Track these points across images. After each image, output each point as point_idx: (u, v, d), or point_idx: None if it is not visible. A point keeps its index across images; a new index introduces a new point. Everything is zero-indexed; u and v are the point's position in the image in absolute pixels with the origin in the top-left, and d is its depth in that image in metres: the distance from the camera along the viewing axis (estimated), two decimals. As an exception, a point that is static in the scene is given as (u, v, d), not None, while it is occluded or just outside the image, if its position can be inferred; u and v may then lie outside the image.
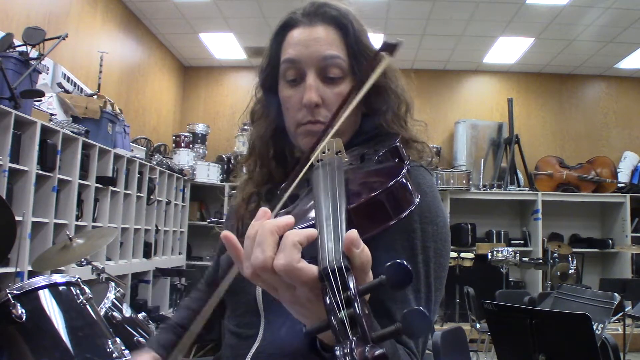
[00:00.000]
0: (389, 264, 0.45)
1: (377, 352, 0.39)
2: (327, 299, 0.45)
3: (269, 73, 0.95)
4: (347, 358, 0.39)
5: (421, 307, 0.42)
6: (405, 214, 0.61)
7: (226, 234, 0.55)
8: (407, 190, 0.63)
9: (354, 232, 0.49)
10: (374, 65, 0.79)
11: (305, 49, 0.88)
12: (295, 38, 0.90)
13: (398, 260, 0.44)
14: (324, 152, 0.79)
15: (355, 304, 0.43)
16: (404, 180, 0.63)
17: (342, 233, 0.51)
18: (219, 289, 0.67)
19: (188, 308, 1.12)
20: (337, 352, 0.40)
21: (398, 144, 0.82)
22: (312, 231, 0.51)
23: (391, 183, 0.60)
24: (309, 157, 0.75)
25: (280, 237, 0.51)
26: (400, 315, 0.42)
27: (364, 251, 0.50)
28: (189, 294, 1.17)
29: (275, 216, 0.61)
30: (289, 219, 0.54)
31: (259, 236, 0.52)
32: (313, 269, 0.48)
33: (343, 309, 0.43)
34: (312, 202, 0.62)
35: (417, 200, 0.63)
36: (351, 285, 0.45)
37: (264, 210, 0.57)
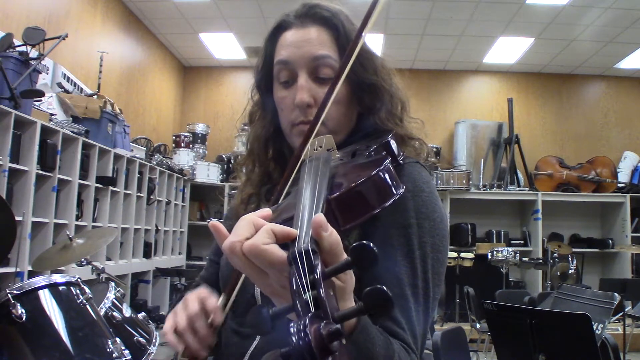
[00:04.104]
0: (354, 244, 0.45)
1: (332, 328, 0.39)
2: (294, 281, 0.45)
3: (264, 75, 0.96)
4: (301, 334, 0.39)
5: (383, 287, 0.41)
6: (389, 203, 0.61)
7: (214, 223, 0.58)
8: (390, 180, 0.63)
9: (320, 216, 0.50)
10: (352, 48, 0.79)
11: (297, 50, 0.89)
12: (287, 40, 0.91)
13: (364, 242, 0.44)
14: (315, 149, 0.79)
15: (319, 286, 0.43)
16: (386, 171, 0.63)
17: None
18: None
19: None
20: (292, 329, 0.39)
21: (390, 139, 0.82)
22: (292, 230, 0.52)
23: (372, 173, 0.61)
24: (300, 154, 0.76)
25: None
26: (366, 297, 0.42)
27: (332, 235, 0.50)
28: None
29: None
30: (268, 215, 0.56)
31: (237, 224, 0.54)
32: (280, 252, 0.49)
33: (308, 291, 0.43)
34: (297, 195, 0.63)
35: (402, 190, 0.64)
36: (317, 268, 0.45)
37: (267, 209, 0.58)
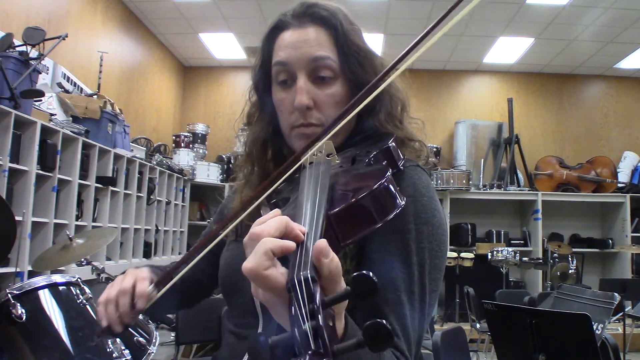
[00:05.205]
0: (354, 274, 0.44)
1: None
2: (292, 310, 0.44)
3: (262, 76, 0.95)
4: None
5: (383, 321, 0.41)
6: (390, 217, 0.60)
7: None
8: (392, 194, 0.62)
9: (322, 242, 0.49)
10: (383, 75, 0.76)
11: (295, 51, 0.88)
12: (285, 40, 0.90)
13: (364, 272, 0.44)
14: (315, 155, 0.78)
15: (319, 316, 0.42)
16: (388, 184, 0.62)
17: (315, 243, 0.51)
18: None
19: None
20: None
21: (390, 145, 0.81)
22: (290, 244, 0.51)
23: (374, 187, 0.59)
24: (298, 159, 0.75)
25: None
26: (367, 331, 0.41)
27: (333, 261, 0.49)
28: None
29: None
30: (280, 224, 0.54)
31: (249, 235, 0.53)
32: (280, 279, 0.48)
33: (307, 321, 0.42)
34: (296, 208, 0.62)
35: (403, 202, 0.62)
36: (317, 297, 0.44)
37: (276, 211, 0.58)
